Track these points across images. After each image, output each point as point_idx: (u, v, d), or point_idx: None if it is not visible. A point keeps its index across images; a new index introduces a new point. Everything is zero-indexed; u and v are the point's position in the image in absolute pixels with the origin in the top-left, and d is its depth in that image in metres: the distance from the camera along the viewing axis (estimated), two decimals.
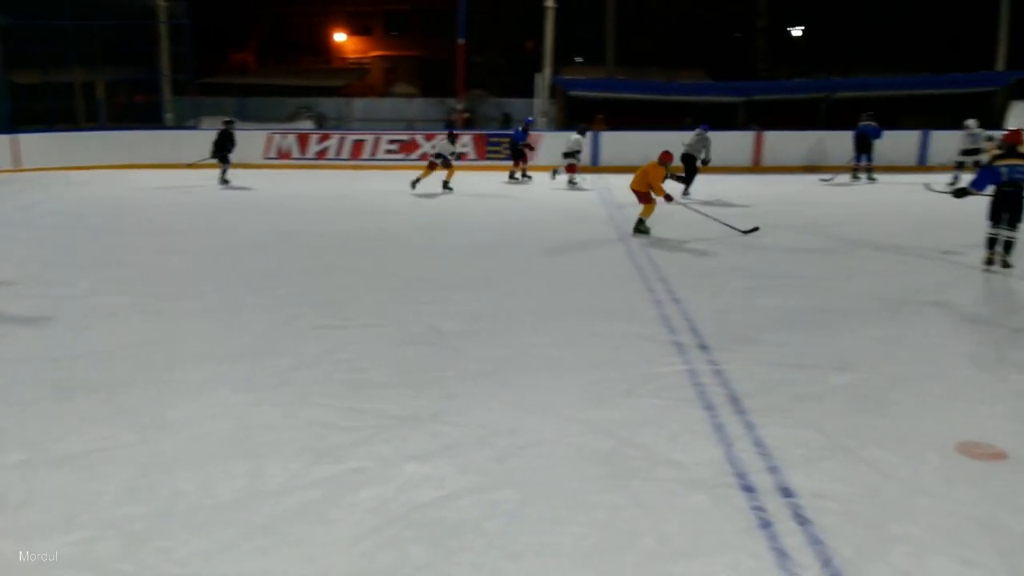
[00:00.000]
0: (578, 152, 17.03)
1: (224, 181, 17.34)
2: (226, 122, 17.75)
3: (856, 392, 5.35)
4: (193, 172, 18.57)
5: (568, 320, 7.01)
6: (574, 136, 17.21)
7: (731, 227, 11.08)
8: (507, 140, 19.37)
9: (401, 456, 4.36)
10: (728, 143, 18.89)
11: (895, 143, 18.62)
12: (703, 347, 6.21)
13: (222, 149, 17.25)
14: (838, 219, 12.61)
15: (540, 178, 18.19)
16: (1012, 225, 8.84)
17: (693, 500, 3.95)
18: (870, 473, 4.22)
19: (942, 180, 15.38)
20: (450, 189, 15.99)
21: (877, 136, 17.33)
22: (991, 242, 9.02)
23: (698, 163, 15.27)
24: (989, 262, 9.01)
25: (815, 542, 3.57)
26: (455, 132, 17.26)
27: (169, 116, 24.11)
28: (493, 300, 7.74)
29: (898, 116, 20.43)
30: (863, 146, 17.34)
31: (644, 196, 11.29)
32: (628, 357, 5.98)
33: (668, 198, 11.23)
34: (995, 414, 5.02)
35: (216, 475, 4.15)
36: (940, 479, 4.18)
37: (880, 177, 17.74)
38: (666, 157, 11.51)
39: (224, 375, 5.63)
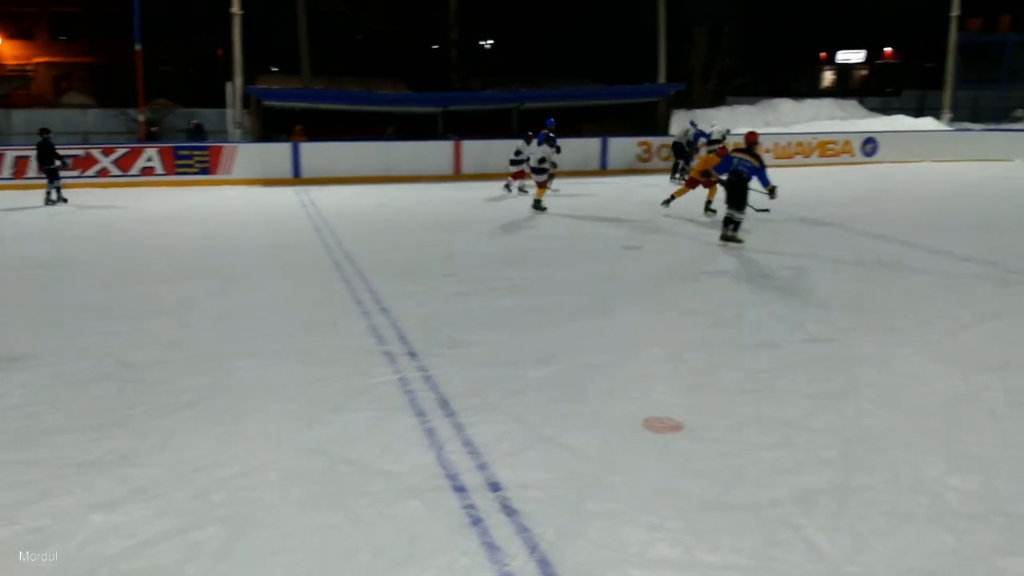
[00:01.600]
0: (525, 159, 16.08)
1: (61, 200, 15.17)
2: (41, 131, 15.24)
3: (555, 383, 5.70)
4: None
5: (274, 340, 6.74)
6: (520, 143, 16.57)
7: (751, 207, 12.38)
8: (200, 152, 18.32)
9: (84, 507, 3.91)
10: (428, 152, 19.40)
11: (580, 149, 20.21)
12: (412, 354, 6.28)
13: (47, 163, 14.90)
14: (560, 216, 13.36)
15: (235, 192, 17.38)
16: (739, 208, 10.50)
17: (407, 508, 3.97)
18: (569, 457, 4.52)
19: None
20: (543, 208, 14.01)
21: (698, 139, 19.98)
22: (726, 222, 10.66)
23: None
24: (725, 239, 10.67)
25: (522, 530, 3.74)
26: (553, 134, 14.67)
27: None
28: (190, 326, 7.23)
29: (580, 124, 22.17)
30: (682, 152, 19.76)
31: (708, 181, 13.13)
32: (338, 372, 5.88)
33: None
34: (674, 390, 5.60)
35: None
36: (629, 455, 4.57)
37: (568, 180, 19.13)
38: (723, 151, 13.07)
39: None
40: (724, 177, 10.75)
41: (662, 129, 22.41)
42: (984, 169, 20.90)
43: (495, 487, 4.15)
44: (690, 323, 7.26)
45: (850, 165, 22.31)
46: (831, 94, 40.11)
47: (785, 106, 30.11)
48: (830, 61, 51.72)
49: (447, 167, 19.40)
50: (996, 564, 3.51)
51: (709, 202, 13.39)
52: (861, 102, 32.91)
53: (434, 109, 21.76)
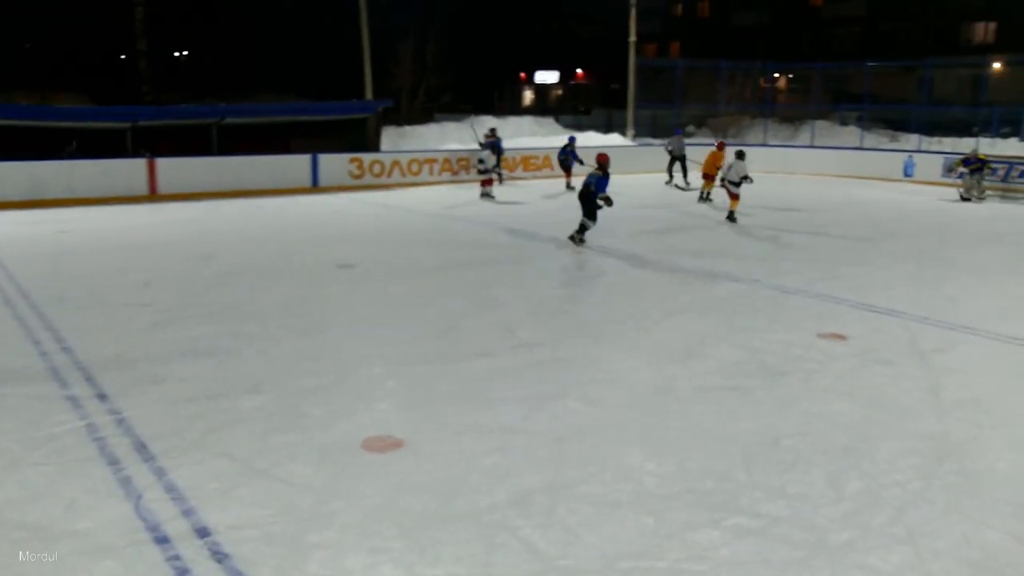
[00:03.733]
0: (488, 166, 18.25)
1: None
2: None
3: (267, 412, 5.40)
4: None
5: None
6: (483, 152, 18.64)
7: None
8: None
9: None
10: (118, 171, 17.72)
11: (289, 166, 19.61)
12: (102, 396, 5.63)
13: None
14: (270, 237, 12.67)
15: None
16: (589, 216, 11.84)
17: (100, 569, 3.54)
18: (285, 490, 4.28)
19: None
20: (734, 220, 14.57)
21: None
22: (581, 228, 11.91)
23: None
24: (572, 239, 11.97)
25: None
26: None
27: None
28: None
29: (288, 141, 21.49)
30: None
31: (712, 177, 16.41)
32: (7, 424, 5.11)
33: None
34: (393, 407, 5.55)
35: None
36: (349, 479, 4.43)
37: (277, 199, 18.50)
38: (721, 145, 17.20)
39: None
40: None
41: (372, 146, 22.38)
42: (665, 180, 23.25)
43: (203, 533, 3.82)
44: (406, 338, 7.25)
45: (550, 179, 23.74)
46: (530, 112, 42.74)
47: (489, 123, 31.48)
48: (529, 81, 55.24)
49: (141, 187, 17.82)
50: (688, 538, 3.85)
51: (707, 193, 16.97)
52: (557, 119, 35.29)
53: (122, 124, 19.93)
